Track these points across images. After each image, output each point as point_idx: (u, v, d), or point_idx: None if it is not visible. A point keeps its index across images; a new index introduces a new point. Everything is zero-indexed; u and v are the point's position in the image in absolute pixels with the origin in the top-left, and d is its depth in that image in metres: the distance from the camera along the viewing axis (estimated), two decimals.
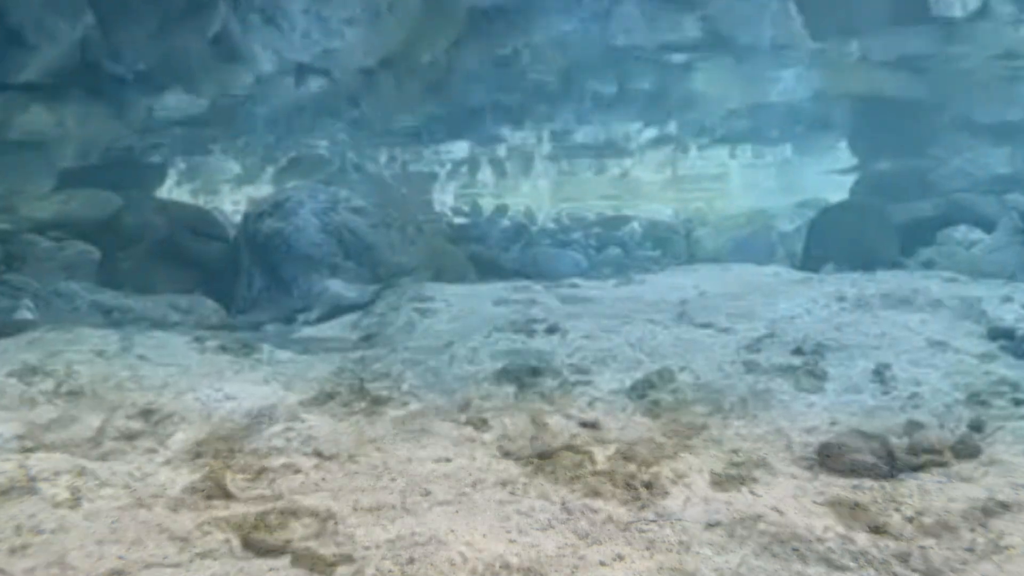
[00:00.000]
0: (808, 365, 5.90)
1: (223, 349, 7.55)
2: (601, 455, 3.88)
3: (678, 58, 12.30)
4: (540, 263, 14.59)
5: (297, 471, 3.63)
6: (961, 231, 10.79)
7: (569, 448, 3.96)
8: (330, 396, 5.29)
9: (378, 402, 5.09)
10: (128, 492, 3.35)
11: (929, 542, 2.93)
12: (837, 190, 15.55)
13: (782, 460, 3.84)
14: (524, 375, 6.13)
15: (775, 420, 4.70)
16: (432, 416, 4.83)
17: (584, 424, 4.64)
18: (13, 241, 9.58)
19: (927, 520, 3.08)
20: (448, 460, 3.84)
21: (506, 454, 3.94)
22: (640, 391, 5.88)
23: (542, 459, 3.79)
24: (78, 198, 10.58)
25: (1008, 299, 6.59)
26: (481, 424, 4.61)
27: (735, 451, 3.98)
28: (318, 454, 3.90)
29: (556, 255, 15.29)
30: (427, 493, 3.35)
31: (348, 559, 2.79)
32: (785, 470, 3.68)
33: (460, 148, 18.49)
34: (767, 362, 5.95)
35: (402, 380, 6.40)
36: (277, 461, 3.76)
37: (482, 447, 4.08)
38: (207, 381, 5.84)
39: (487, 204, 19.92)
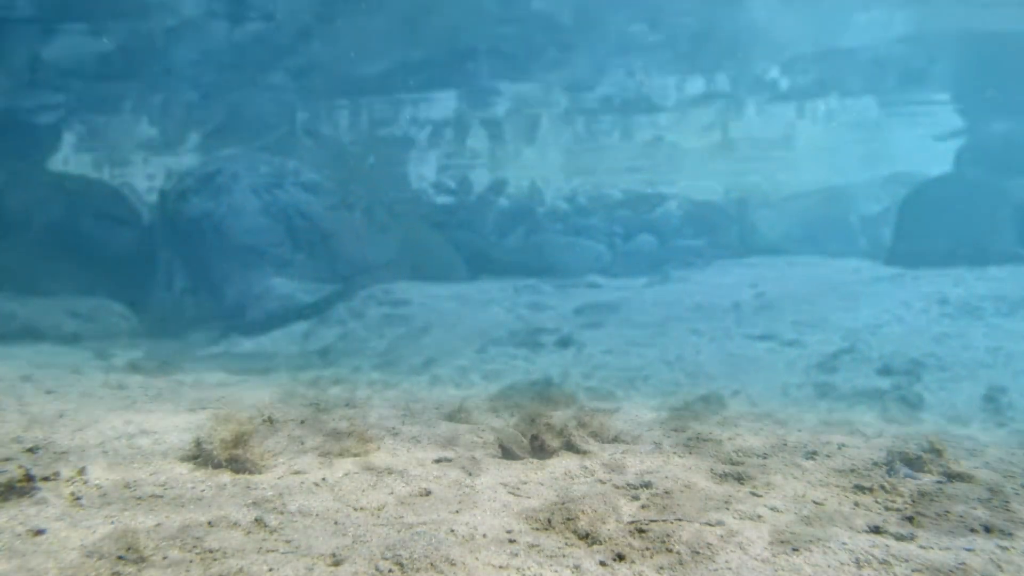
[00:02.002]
0: (899, 388, 5.92)
1: (135, 368, 7.58)
2: (629, 506, 3.88)
3: None
4: (549, 255, 14.63)
5: (233, 526, 3.63)
6: None
7: (586, 496, 3.96)
8: (275, 429, 5.30)
9: (337, 437, 5.10)
10: (10, 554, 3.35)
11: None
12: (937, 160, 15.54)
13: (864, 513, 3.85)
14: (527, 401, 6.13)
15: (856, 460, 4.71)
16: (407, 455, 4.84)
17: (606, 465, 4.65)
18: None
19: None
20: (428, 511, 3.84)
21: (504, 505, 3.94)
22: (679, 422, 5.89)
23: (551, 510, 3.80)
24: None
25: None
26: (472, 465, 4.61)
27: (803, 500, 3.98)
28: (258, 504, 3.91)
29: (569, 245, 15.33)
30: (401, 557, 3.35)
31: None
32: (868, 525, 3.68)
33: (445, 105, 18.49)
34: (845, 384, 5.96)
35: (369, 408, 6.42)
36: (206, 514, 3.76)
37: (473, 495, 4.08)
38: (115, 410, 5.85)
39: (480, 179, 19.91)
